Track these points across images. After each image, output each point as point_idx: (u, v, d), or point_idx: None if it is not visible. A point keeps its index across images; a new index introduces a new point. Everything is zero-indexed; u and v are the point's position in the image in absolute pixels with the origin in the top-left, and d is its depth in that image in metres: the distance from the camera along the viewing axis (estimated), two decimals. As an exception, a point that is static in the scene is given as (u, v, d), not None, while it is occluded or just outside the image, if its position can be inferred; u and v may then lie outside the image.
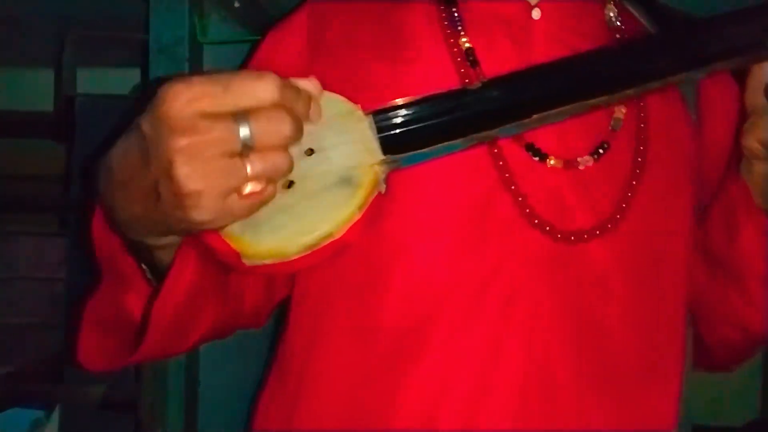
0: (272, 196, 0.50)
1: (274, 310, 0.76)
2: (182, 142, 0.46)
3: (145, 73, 0.99)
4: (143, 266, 0.63)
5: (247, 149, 0.47)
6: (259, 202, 0.50)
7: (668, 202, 0.73)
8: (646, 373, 0.70)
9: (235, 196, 0.48)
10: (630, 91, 0.63)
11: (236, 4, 0.97)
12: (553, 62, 0.62)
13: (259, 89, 0.47)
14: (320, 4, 0.74)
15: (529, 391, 0.65)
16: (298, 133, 0.49)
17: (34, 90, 1.44)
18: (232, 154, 0.47)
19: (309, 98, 0.51)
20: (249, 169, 0.48)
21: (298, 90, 0.50)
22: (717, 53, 0.64)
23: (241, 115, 0.47)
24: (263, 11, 1.00)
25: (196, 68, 0.93)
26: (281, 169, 0.49)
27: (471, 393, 0.65)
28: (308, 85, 0.51)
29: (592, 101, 0.61)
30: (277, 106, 0.48)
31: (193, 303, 0.62)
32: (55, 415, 1.05)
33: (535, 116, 0.60)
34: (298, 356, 0.72)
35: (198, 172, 0.47)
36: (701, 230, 0.75)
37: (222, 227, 0.51)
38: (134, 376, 1.00)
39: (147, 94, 0.50)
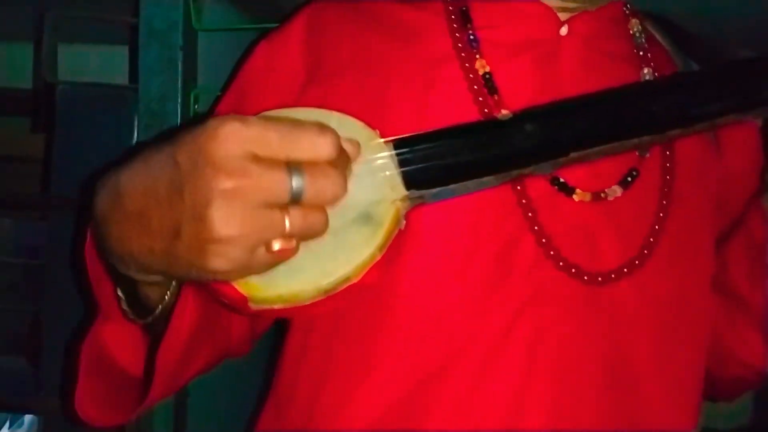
0: (293, 255, 0.46)
1: (257, 339, 0.73)
2: (227, 183, 0.43)
3: (133, 58, 0.92)
4: (119, 294, 0.59)
5: (291, 203, 0.44)
6: (282, 259, 0.45)
7: (695, 235, 0.70)
8: (671, 411, 0.68)
9: (262, 249, 0.44)
10: (676, 132, 0.59)
11: (234, -12, 0.90)
12: (592, 95, 0.57)
13: (319, 144, 0.44)
14: (319, 14, 0.70)
15: None
16: (343, 195, 0.45)
17: (12, 66, 1.37)
18: (275, 206, 0.44)
19: (348, 160, 0.47)
20: (288, 223, 0.44)
21: (343, 150, 0.46)
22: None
23: (295, 167, 0.44)
24: (263, -4, 0.94)
25: (189, 56, 0.88)
26: (319, 231, 0.46)
27: None
28: (349, 146, 0.47)
29: (635, 141, 0.57)
30: (332, 164, 0.45)
31: (191, 345, 0.59)
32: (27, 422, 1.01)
33: (573, 154, 0.55)
34: (304, 392, 0.68)
35: (236, 218, 0.43)
36: (718, 261, 0.73)
37: (233, 279, 0.47)
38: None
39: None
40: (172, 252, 0.45)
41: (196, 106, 0.87)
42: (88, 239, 0.60)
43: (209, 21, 0.89)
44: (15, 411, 0.91)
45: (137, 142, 0.76)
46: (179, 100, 0.85)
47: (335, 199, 0.45)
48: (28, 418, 1.04)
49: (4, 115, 1.40)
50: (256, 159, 0.43)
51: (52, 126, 0.95)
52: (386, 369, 0.63)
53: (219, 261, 0.44)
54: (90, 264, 0.61)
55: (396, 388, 0.63)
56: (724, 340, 0.76)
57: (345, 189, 0.45)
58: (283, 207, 0.44)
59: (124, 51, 1.20)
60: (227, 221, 0.43)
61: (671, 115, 0.59)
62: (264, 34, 0.74)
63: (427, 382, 0.63)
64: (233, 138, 0.43)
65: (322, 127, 0.45)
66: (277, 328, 0.75)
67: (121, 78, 1.18)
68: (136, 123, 0.87)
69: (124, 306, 0.59)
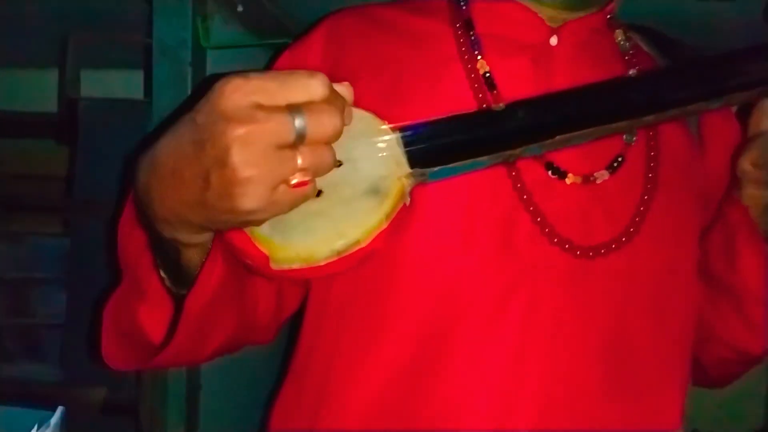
0: (314, 192, 0.52)
1: (282, 325, 0.78)
2: (240, 130, 0.48)
3: (148, 75, 0.98)
4: (161, 272, 0.65)
5: (298, 141, 0.50)
6: (303, 196, 0.52)
7: (679, 218, 0.75)
8: (661, 379, 0.73)
9: (283, 186, 0.50)
10: (650, 118, 0.65)
11: (239, 8, 0.97)
12: (577, 87, 0.64)
13: (311, 86, 0.50)
14: (337, 25, 0.77)
15: (552, 397, 0.67)
16: (342, 128, 0.51)
17: (39, 91, 1.45)
18: (285, 145, 0.49)
19: (344, 101, 0.53)
20: (299, 160, 0.50)
21: (337, 92, 0.52)
22: (733, 86, 0.66)
23: (295, 109, 0.49)
24: (266, 15, 1.01)
25: (198, 72, 0.93)
26: (328, 162, 0.51)
27: (495, 398, 0.67)
28: (342, 89, 0.53)
29: (614, 126, 0.63)
30: (327, 101, 0.50)
31: (216, 306, 0.64)
32: (57, 417, 1.06)
33: (558, 137, 0.61)
34: (318, 364, 0.73)
35: (252, 159, 0.48)
36: (701, 251, 0.78)
37: (264, 220, 0.53)
38: (135, 380, 0.99)
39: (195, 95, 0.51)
40: (205, 201, 0.51)
41: (205, 117, 0.93)
42: (124, 218, 0.66)
43: (217, 39, 0.94)
44: (41, 403, 0.97)
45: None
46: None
47: (335, 132, 0.50)
48: (54, 420, 1.09)
49: (31, 137, 1.48)
50: (261, 107, 0.49)
51: (75, 138, 1.03)
52: (395, 331, 0.69)
53: (246, 200, 0.49)
54: (125, 239, 0.67)
55: (404, 349, 0.68)
56: (707, 321, 0.80)
57: (341, 122, 0.51)
58: (293, 146, 0.50)
59: (140, 74, 1.28)
60: (246, 162, 0.48)
61: (645, 102, 0.65)
62: (271, 47, 0.80)
63: (432, 344, 0.68)
64: (238, 91, 0.49)
65: (312, 72, 0.50)
66: (292, 325, 0.80)
67: (138, 97, 1.25)
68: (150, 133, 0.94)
69: (168, 284, 0.65)
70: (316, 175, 0.52)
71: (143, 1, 0.97)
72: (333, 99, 0.51)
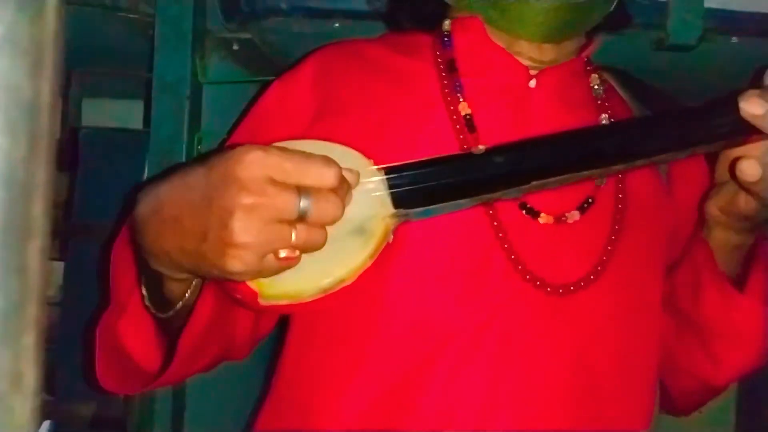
0: (297, 263, 0.54)
1: (256, 344, 0.80)
2: (248, 199, 0.51)
3: (147, 106, 1.03)
4: (143, 292, 0.67)
5: (298, 220, 0.53)
6: (287, 266, 0.54)
7: (645, 257, 0.78)
8: (626, 406, 0.76)
9: (271, 256, 0.53)
10: (619, 167, 0.69)
11: (235, 47, 1.03)
12: (552, 135, 0.67)
13: (324, 174, 0.53)
14: (326, 59, 0.79)
15: (524, 424, 0.70)
16: (341, 217, 0.54)
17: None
18: (285, 221, 0.52)
19: (349, 187, 0.56)
20: (294, 236, 0.52)
21: (344, 179, 0.55)
22: (699, 139, 0.69)
23: (304, 191, 0.52)
24: (260, 54, 1.06)
25: (195, 106, 0.99)
26: (318, 243, 0.54)
27: (470, 424, 0.69)
28: (350, 175, 0.56)
29: (586, 173, 0.67)
30: (334, 191, 0.53)
31: (205, 336, 0.66)
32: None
33: (534, 183, 0.64)
34: (301, 388, 0.75)
35: (252, 228, 0.51)
36: (668, 286, 0.80)
37: (246, 279, 0.55)
38: (123, 397, 1.02)
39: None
40: (199, 252, 0.54)
41: (199, 147, 0.98)
42: (119, 240, 0.69)
43: (213, 75, 1.00)
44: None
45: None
46: (185, 142, 0.96)
47: (334, 220, 0.53)
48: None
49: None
50: (273, 182, 0.52)
51: (75, 164, 1.07)
52: (376, 361, 0.71)
53: (235, 263, 0.52)
54: (117, 260, 0.69)
55: (384, 378, 0.71)
56: (673, 353, 0.83)
57: (342, 212, 0.53)
58: (291, 223, 0.52)
59: (140, 105, 1.33)
60: (245, 230, 0.51)
61: (615, 152, 0.68)
62: (263, 83, 0.84)
63: (411, 374, 0.70)
64: (256, 163, 0.51)
65: (328, 161, 0.53)
66: (274, 336, 0.82)
67: (137, 127, 1.30)
68: (147, 161, 0.98)
69: (147, 302, 0.67)
70: (304, 252, 0.54)
71: (145, 38, 1.03)
72: (339, 188, 0.54)
